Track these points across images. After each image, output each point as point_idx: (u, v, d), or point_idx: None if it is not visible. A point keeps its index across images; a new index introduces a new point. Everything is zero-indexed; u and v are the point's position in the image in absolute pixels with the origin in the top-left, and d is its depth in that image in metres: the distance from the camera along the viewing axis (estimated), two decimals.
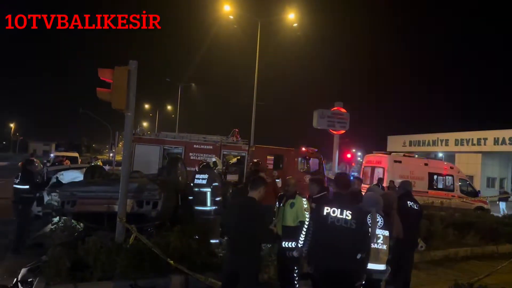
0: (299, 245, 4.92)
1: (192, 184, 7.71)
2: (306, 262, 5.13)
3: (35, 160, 9.07)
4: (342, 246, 3.92)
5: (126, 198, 6.40)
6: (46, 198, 9.61)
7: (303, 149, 14.88)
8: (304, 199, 5.19)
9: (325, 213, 4.01)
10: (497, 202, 19.26)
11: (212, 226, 7.27)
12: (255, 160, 12.97)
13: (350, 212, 3.99)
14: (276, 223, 5.21)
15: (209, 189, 7.45)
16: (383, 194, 5.49)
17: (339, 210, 4.00)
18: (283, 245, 5.09)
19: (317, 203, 5.24)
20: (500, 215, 15.52)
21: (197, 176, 7.68)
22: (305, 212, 5.01)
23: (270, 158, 14.41)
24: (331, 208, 4.02)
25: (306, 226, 4.94)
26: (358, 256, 3.93)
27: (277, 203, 5.43)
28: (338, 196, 4.26)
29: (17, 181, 7.95)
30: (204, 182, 7.50)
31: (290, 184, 5.39)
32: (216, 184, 7.54)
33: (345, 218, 3.95)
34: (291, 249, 4.97)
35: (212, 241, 6.88)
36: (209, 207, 7.43)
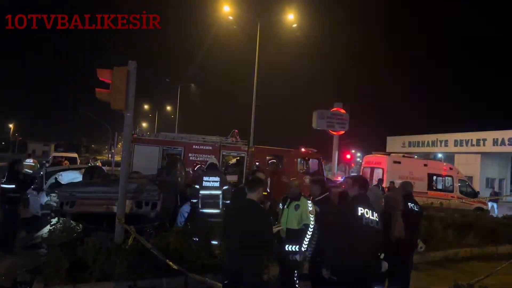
0: (303, 249, 4.84)
1: (197, 187, 7.44)
2: (310, 263, 5.12)
3: (33, 160, 9.10)
4: (373, 247, 4.05)
5: (125, 199, 6.39)
6: (45, 199, 9.61)
7: (303, 149, 14.88)
8: (309, 202, 5.07)
9: (359, 214, 4.01)
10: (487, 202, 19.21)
11: (214, 227, 7.22)
12: (273, 160, 12.97)
13: (377, 214, 4.08)
14: (280, 225, 5.15)
15: (221, 192, 7.36)
16: (388, 195, 5.50)
17: (370, 211, 4.03)
18: (286, 248, 4.96)
19: (319, 204, 5.22)
20: (494, 215, 15.58)
21: (206, 178, 7.42)
22: (310, 215, 4.91)
23: (269, 158, 14.41)
24: (364, 209, 4.03)
25: (310, 230, 4.85)
26: (382, 256, 4.12)
27: (280, 204, 5.35)
28: (363, 197, 4.26)
29: (3, 180, 7.97)
30: (217, 184, 7.35)
31: (293, 185, 5.28)
32: (227, 187, 7.47)
33: (376, 220, 4.03)
34: (294, 252, 4.88)
35: (213, 242, 6.83)
36: (220, 209, 7.33)
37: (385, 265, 4.56)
